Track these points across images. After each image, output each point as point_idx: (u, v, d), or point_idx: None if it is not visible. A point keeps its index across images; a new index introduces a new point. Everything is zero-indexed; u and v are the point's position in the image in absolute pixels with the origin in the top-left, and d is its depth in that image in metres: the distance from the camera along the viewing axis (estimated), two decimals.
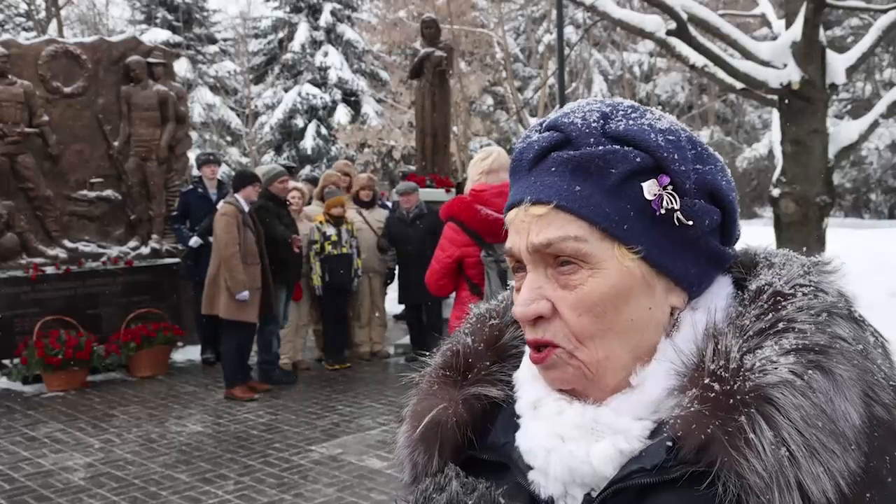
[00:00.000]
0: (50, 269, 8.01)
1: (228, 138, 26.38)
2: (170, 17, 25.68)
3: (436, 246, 3.94)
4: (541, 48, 25.96)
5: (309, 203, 8.53)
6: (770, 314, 0.72)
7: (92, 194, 8.59)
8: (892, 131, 21.04)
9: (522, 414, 0.83)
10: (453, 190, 8.52)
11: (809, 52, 6.43)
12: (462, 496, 0.78)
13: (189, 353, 8.49)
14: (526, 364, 0.84)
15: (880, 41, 7.05)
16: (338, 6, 26.44)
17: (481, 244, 3.72)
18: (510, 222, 0.81)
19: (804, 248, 0.86)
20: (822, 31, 6.55)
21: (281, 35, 26.77)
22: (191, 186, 8.55)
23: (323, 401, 6.73)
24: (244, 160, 25.38)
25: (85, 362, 7.42)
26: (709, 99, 26.33)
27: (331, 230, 7.63)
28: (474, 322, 0.94)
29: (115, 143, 8.71)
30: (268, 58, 27.46)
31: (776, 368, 0.68)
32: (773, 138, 7.96)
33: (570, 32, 22.23)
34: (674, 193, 0.75)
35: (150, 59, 8.99)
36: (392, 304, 9.23)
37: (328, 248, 7.58)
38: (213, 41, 27.77)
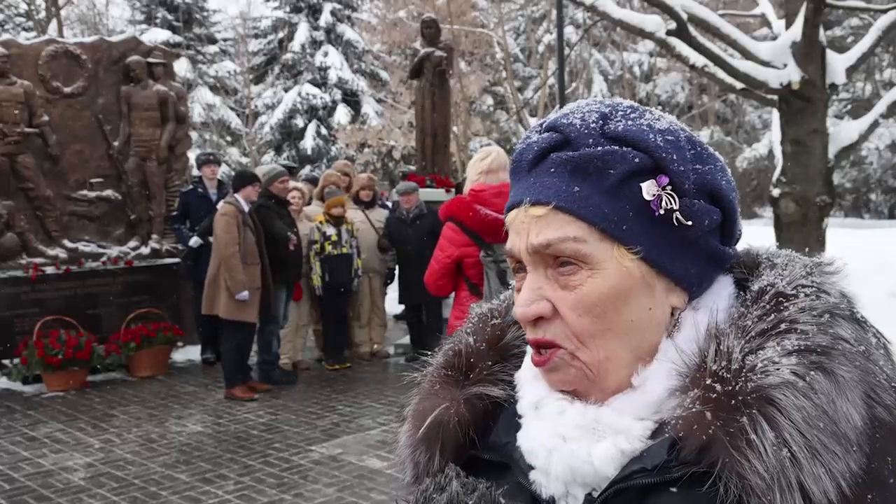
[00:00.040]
0: (50, 269, 8.01)
1: (228, 138, 26.38)
2: (170, 17, 25.68)
3: (435, 246, 3.94)
4: (541, 48, 25.95)
5: (309, 203, 8.53)
6: (772, 315, 0.72)
7: (92, 194, 8.59)
8: (892, 131, 21.05)
9: (524, 414, 0.83)
10: (453, 190, 8.52)
11: (809, 52, 6.43)
12: (462, 496, 0.78)
13: (189, 353, 8.49)
14: (527, 364, 0.85)
15: (880, 41, 7.05)
16: (338, 6, 26.44)
17: (480, 244, 3.71)
18: (510, 223, 0.81)
19: (806, 249, 0.86)
20: (822, 31, 6.55)
21: (281, 35, 26.77)
22: (191, 186, 8.55)
23: (323, 401, 6.73)
24: (244, 160, 25.37)
25: (85, 362, 7.42)
26: (709, 99, 26.33)
27: (331, 230, 7.63)
28: (476, 322, 0.94)
29: (115, 143, 8.71)
30: (268, 58, 27.45)
31: (778, 369, 0.68)
32: (773, 138, 7.96)
33: (570, 32, 22.23)
34: (673, 193, 0.75)
35: (150, 59, 8.99)
36: (392, 304, 9.23)
37: (328, 248, 7.59)
38: (213, 41, 27.77)
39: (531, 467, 0.79)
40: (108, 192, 8.69)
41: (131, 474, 4.97)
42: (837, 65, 6.73)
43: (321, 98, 25.29)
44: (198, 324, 8.22)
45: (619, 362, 0.76)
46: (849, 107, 21.84)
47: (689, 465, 0.69)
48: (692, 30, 6.43)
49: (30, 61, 8.24)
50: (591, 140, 0.76)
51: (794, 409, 0.66)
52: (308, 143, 25.03)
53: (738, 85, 6.87)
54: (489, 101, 26.44)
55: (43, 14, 23.53)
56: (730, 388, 0.68)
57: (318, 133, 25.25)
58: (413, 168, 11.03)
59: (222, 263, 6.53)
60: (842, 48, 8.77)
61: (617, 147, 0.76)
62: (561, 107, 0.85)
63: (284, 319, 7.50)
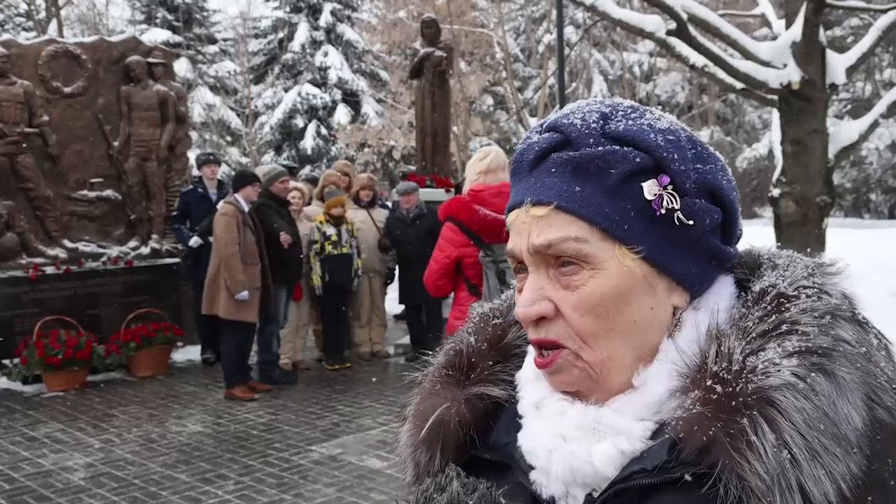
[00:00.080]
0: (50, 269, 8.01)
1: (228, 138, 26.38)
2: (170, 17, 25.68)
3: (435, 246, 3.94)
4: (541, 48, 25.94)
5: (309, 203, 8.53)
6: (773, 316, 0.72)
7: (92, 194, 8.59)
8: (892, 131, 21.04)
9: (525, 414, 0.83)
10: (453, 190, 8.52)
11: (809, 52, 6.43)
12: (463, 496, 0.78)
13: (189, 353, 8.49)
14: (529, 364, 0.85)
15: (880, 41, 7.04)
16: (338, 6, 26.44)
17: (479, 244, 3.71)
18: (511, 223, 0.81)
19: (807, 249, 0.86)
20: (822, 31, 6.54)
21: (281, 35, 26.77)
22: (191, 186, 8.55)
23: (323, 401, 6.73)
24: (244, 160, 25.37)
25: (85, 362, 7.42)
26: (709, 99, 26.32)
27: (331, 230, 7.63)
28: (477, 321, 0.94)
29: (115, 143, 8.71)
30: (268, 58, 27.45)
31: (779, 371, 0.68)
32: (773, 138, 7.95)
33: (570, 32, 22.23)
34: (674, 193, 0.75)
35: (150, 59, 8.99)
36: (392, 304, 9.23)
37: (328, 248, 7.59)
38: (213, 41, 27.76)
39: (531, 467, 0.79)
40: (108, 192, 8.69)
41: (131, 474, 4.97)
42: (837, 65, 6.73)
43: (321, 98, 25.29)
44: (198, 324, 8.22)
45: (621, 362, 0.76)
46: (849, 107, 21.84)
47: (689, 466, 0.68)
48: (692, 30, 6.43)
49: (30, 61, 8.24)
50: (591, 140, 0.76)
51: (795, 410, 0.66)
52: (308, 143, 25.04)
53: (738, 85, 6.86)
54: (489, 101, 26.43)
55: (43, 14, 23.53)
56: (730, 389, 0.68)
57: (318, 133, 25.25)
58: (413, 168, 11.04)
59: (222, 263, 6.53)
60: (842, 48, 8.76)
61: (618, 147, 0.76)
62: (561, 107, 0.85)
63: (284, 319, 7.50)
